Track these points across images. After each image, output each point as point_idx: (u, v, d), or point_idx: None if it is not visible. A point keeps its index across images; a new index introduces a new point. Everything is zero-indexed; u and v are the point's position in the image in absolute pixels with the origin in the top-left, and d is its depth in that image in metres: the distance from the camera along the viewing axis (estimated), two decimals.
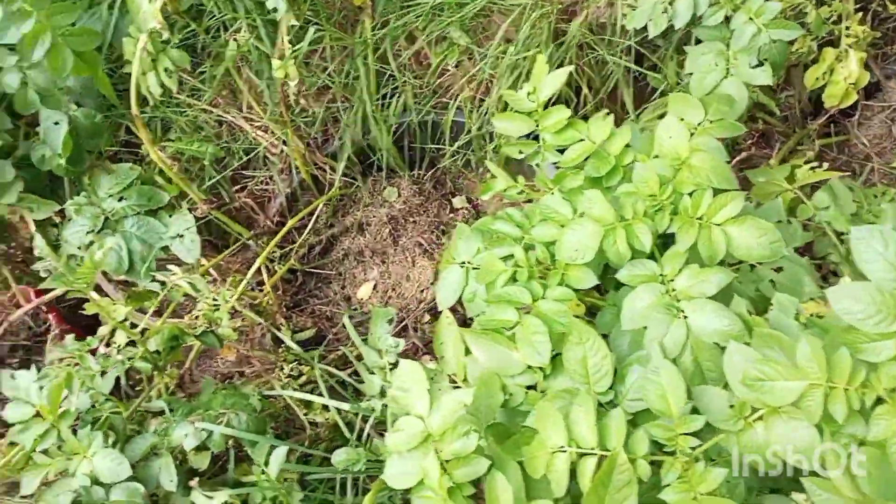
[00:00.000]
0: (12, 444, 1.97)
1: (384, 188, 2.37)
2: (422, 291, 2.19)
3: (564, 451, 1.22)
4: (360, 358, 2.04)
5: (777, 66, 1.86)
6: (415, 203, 2.34)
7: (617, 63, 2.08)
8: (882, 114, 2.26)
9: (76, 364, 1.53)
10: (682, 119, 1.54)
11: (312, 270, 2.32)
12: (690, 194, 1.40)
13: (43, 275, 1.81)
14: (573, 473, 1.22)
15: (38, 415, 1.67)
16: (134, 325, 1.86)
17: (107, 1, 2.11)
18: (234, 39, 2.05)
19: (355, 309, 2.23)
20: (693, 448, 1.19)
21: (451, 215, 2.38)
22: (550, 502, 1.18)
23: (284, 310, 2.18)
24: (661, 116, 2.17)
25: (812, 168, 1.69)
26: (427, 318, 2.18)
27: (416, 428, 1.32)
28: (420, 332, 2.15)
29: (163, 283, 1.72)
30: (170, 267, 1.74)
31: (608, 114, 1.57)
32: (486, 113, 2.18)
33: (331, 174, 2.31)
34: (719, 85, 1.86)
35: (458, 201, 2.41)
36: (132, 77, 1.79)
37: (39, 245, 1.67)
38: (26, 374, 1.70)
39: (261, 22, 2.01)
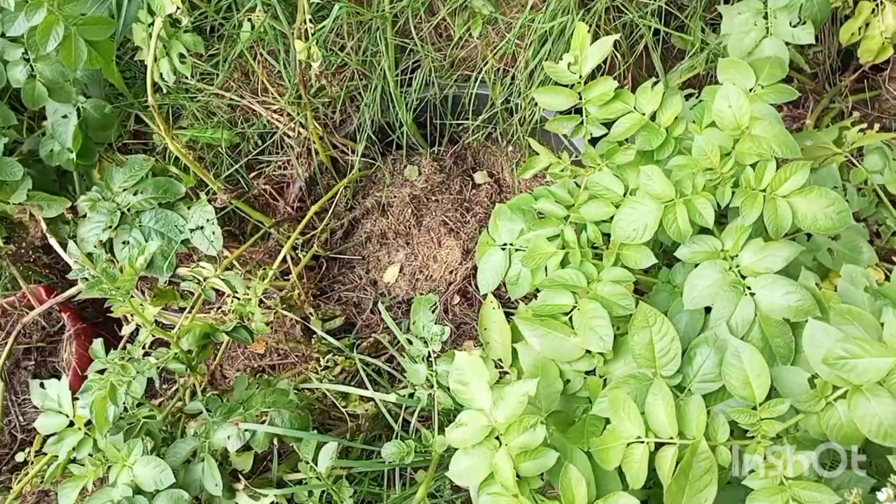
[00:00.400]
0: (39, 453, 1.92)
1: (404, 167, 2.30)
2: (451, 272, 2.13)
3: (642, 442, 1.17)
4: (395, 345, 1.98)
5: (818, 24, 1.79)
6: (436, 181, 2.26)
7: (647, 26, 2.00)
8: None
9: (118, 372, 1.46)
10: (733, 85, 1.47)
11: (336, 256, 2.25)
12: (753, 166, 1.34)
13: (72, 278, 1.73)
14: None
15: (71, 424, 1.62)
16: (158, 324, 1.79)
17: None
18: (249, 20, 1.95)
19: (382, 294, 2.17)
20: (778, 432, 1.14)
21: (474, 192, 2.31)
22: (629, 495, 1.13)
23: (311, 298, 2.11)
24: (693, 80, 2.11)
25: (862, 130, 1.63)
26: (457, 299, 2.13)
27: (479, 422, 1.27)
28: (451, 315, 2.09)
29: (197, 281, 1.65)
30: (202, 264, 1.66)
31: (656, 83, 1.49)
32: (512, 84, 2.09)
33: (350, 155, 2.23)
34: (759, 45, 1.79)
35: (479, 177, 2.34)
36: (148, 64, 1.69)
37: (73, 252, 1.58)
38: (56, 384, 1.64)
39: (276, 0, 1.91)
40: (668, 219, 1.34)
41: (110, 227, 1.98)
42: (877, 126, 1.67)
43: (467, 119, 2.26)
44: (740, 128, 1.36)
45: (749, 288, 1.29)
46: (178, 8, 1.65)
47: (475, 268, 2.15)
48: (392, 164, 2.31)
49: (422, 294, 2.12)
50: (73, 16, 1.73)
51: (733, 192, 1.34)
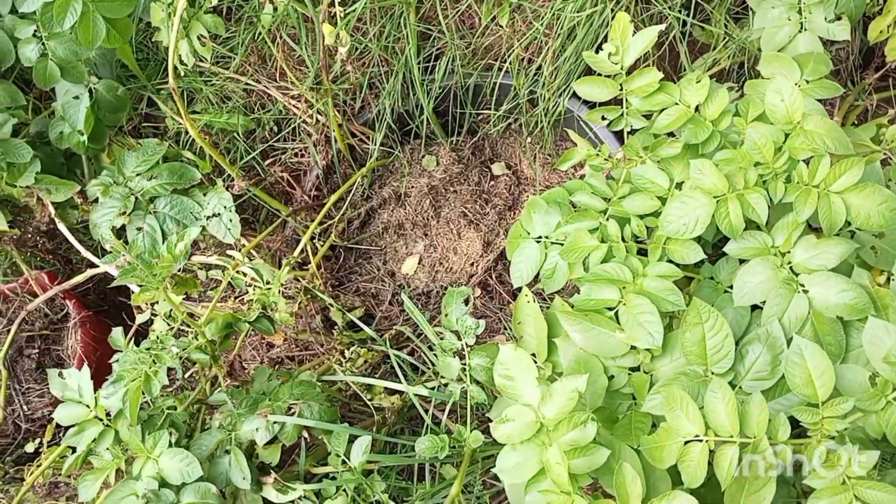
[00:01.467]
0: (51, 444, 1.86)
1: (423, 157, 2.26)
2: (471, 265, 2.10)
3: (700, 441, 1.15)
4: (418, 336, 1.95)
5: (853, 19, 1.78)
6: (454, 171, 2.22)
7: (676, 17, 1.98)
8: None
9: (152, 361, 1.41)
10: None
11: (353, 246, 2.21)
12: (805, 161, 1.32)
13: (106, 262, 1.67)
14: None
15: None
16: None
17: None
18: (271, 2, 1.90)
19: (401, 285, 2.13)
20: (839, 431, 1.13)
21: (492, 183, 2.27)
22: (688, 493, 1.11)
23: (330, 289, 2.07)
24: (718, 75, 2.10)
25: None
26: (478, 292, 2.09)
27: (527, 418, 1.25)
28: (472, 308, 2.06)
29: (222, 269, 1.60)
30: (230, 252, 1.61)
31: (705, 77, 1.47)
32: (537, 74, 2.06)
33: (368, 144, 2.18)
34: (793, 40, 1.77)
35: (497, 168, 2.30)
36: (170, 46, 1.63)
37: (107, 237, 1.52)
38: (76, 373, 1.58)
39: None
40: (721, 213, 1.32)
41: (124, 212, 1.92)
42: None
43: (488, 109, 2.22)
44: (792, 122, 1.35)
45: (802, 285, 1.28)
46: None
47: (496, 260, 2.12)
48: (410, 153, 2.27)
49: (443, 286, 2.08)
50: None
51: (786, 188, 1.32)
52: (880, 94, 2.12)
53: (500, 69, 2.11)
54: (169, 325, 1.72)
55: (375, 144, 2.16)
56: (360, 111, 2.19)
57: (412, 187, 2.20)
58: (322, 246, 2.03)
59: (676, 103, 1.50)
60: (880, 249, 1.43)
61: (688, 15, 2.03)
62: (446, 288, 2.06)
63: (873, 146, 1.59)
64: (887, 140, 1.58)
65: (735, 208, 1.31)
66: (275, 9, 1.94)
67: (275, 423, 1.53)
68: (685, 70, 2.10)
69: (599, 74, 1.63)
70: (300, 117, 2.10)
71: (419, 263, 2.14)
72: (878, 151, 1.57)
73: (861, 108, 2.08)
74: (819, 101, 1.53)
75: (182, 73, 2.01)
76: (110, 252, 1.41)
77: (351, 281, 2.16)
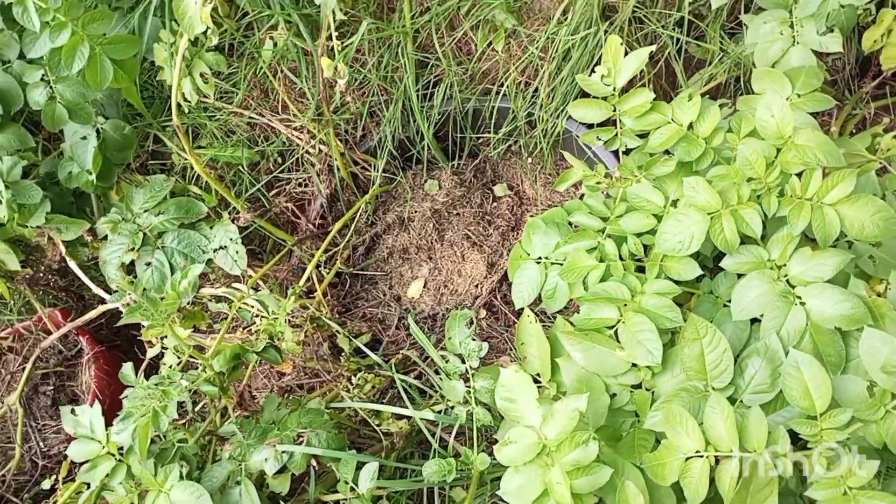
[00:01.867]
0: (67, 480, 1.88)
1: (425, 181, 2.28)
2: (476, 286, 2.11)
3: (701, 457, 1.15)
4: (425, 360, 1.96)
5: (845, 31, 1.80)
6: (457, 195, 2.25)
7: (670, 36, 2.00)
8: None
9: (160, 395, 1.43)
10: None
11: (358, 272, 2.23)
12: (798, 175, 1.33)
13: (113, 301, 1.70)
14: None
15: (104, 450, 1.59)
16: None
17: (127, 4, 1.99)
18: (271, 38, 1.94)
19: (407, 309, 2.15)
20: (839, 442, 1.13)
21: (495, 204, 2.30)
22: None
23: (336, 316, 2.09)
24: (714, 90, 2.11)
25: None
26: (484, 313, 2.11)
27: (529, 439, 1.26)
28: (478, 330, 2.07)
29: (229, 302, 1.63)
30: (236, 284, 1.64)
31: (700, 95, 1.49)
32: (534, 97, 2.09)
33: (370, 171, 2.21)
34: (786, 54, 1.79)
35: (499, 189, 2.33)
36: (173, 84, 1.68)
37: (113, 276, 1.56)
38: (88, 410, 1.61)
39: (298, 17, 1.90)
40: (715, 230, 1.34)
41: (132, 248, 1.96)
42: None
43: (487, 132, 2.25)
44: (783, 137, 1.36)
45: (799, 297, 1.28)
46: (207, 27, 1.63)
47: (500, 281, 2.13)
48: (412, 178, 2.30)
49: (448, 309, 2.10)
50: (97, 35, 1.71)
51: (779, 202, 1.33)
52: (878, 103, 2.13)
53: (497, 93, 2.14)
54: (178, 358, 1.75)
55: (378, 171, 2.19)
56: (362, 139, 2.22)
57: (415, 212, 2.23)
58: (328, 273, 2.06)
59: (669, 122, 1.52)
60: (878, 259, 1.43)
61: (682, 33, 2.05)
62: (452, 310, 2.08)
63: (869, 156, 1.60)
64: (882, 149, 1.59)
65: (729, 224, 1.33)
66: (275, 44, 1.99)
67: (283, 452, 1.55)
68: (682, 87, 2.12)
69: (594, 97, 1.65)
70: (303, 148, 2.14)
71: (424, 287, 2.16)
72: (873, 161, 1.58)
73: (859, 117, 2.09)
74: (814, 113, 1.54)
75: (186, 110, 2.05)
76: (117, 290, 1.44)
77: (357, 307, 2.18)
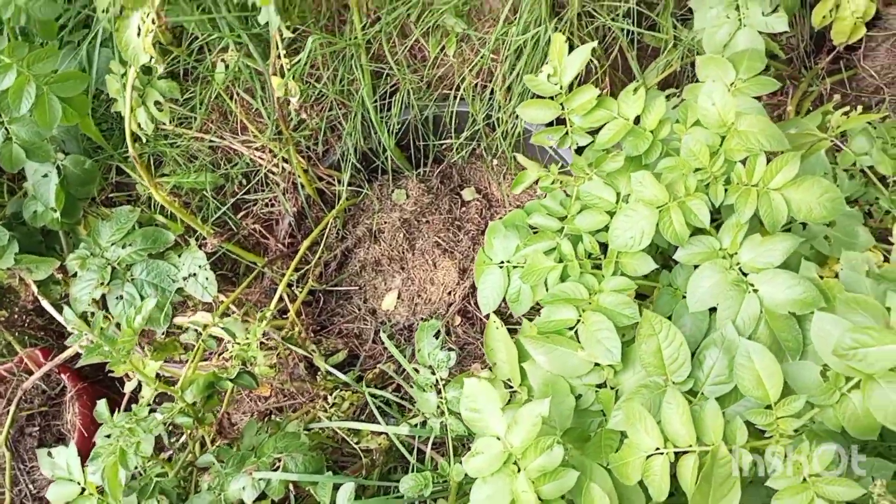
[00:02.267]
0: None
1: (392, 191, 2.28)
2: (449, 293, 2.11)
3: (662, 453, 1.15)
4: (401, 373, 1.96)
5: (790, 10, 1.80)
6: (425, 202, 2.25)
7: (620, 28, 2.00)
8: (886, 43, 2.19)
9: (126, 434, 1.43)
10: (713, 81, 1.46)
11: (332, 289, 2.23)
12: (742, 161, 1.33)
13: (70, 343, 1.70)
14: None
15: (83, 490, 1.59)
16: (160, 378, 1.77)
17: (77, 38, 1.99)
18: (222, 60, 1.94)
19: (382, 322, 2.15)
20: (796, 430, 1.13)
21: (464, 209, 2.29)
22: None
23: (312, 334, 2.09)
24: (671, 78, 2.11)
25: (845, 113, 1.63)
26: (459, 320, 2.11)
27: (495, 449, 1.26)
28: (455, 337, 2.07)
29: (197, 332, 1.63)
30: (200, 313, 1.64)
31: (657, 84, 1.49)
32: (492, 99, 2.09)
33: (336, 185, 2.21)
34: (733, 37, 1.79)
35: (467, 193, 2.33)
36: (125, 116, 1.68)
37: (69, 318, 1.56)
38: (64, 450, 1.61)
39: (247, 38, 1.89)
40: (664, 223, 1.33)
41: (102, 283, 1.96)
42: (859, 107, 1.66)
43: (450, 138, 2.25)
44: (726, 125, 1.36)
45: (752, 285, 1.28)
46: (151, 57, 1.63)
47: (474, 286, 2.13)
48: (379, 189, 2.30)
49: (423, 319, 2.10)
50: (43, 74, 1.71)
51: (726, 190, 1.33)
52: (833, 78, 2.13)
53: (455, 97, 2.14)
54: (157, 390, 1.75)
55: (343, 185, 2.19)
56: (325, 154, 2.22)
57: (385, 223, 2.23)
58: (300, 292, 2.06)
59: (616, 117, 1.51)
60: (833, 238, 1.43)
61: (632, 23, 2.05)
62: (427, 320, 2.08)
63: (820, 134, 1.59)
64: (833, 127, 1.59)
65: (678, 216, 1.32)
66: (227, 66, 1.98)
67: (260, 479, 1.55)
68: (637, 78, 2.12)
69: (542, 97, 1.65)
70: (266, 168, 2.13)
71: (398, 298, 2.16)
72: (824, 139, 1.57)
73: (815, 94, 2.08)
74: (771, 94, 1.54)
75: (144, 140, 2.05)
76: (73, 333, 1.44)
77: (333, 323, 2.18)
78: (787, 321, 1.26)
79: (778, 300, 1.25)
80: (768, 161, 1.31)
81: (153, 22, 1.63)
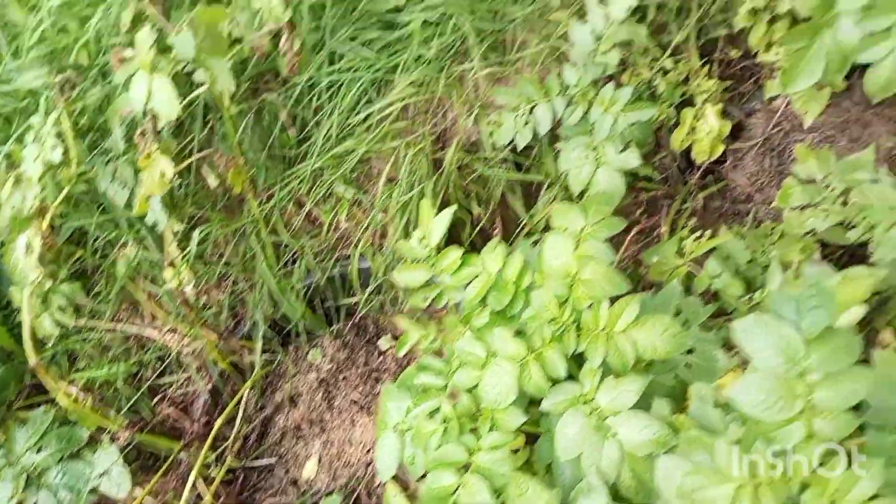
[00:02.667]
0: None
1: (307, 352, 2.32)
2: (367, 452, 2.12)
3: None
4: None
5: (642, 144, 1.93)
6: (341, 358, 2.29)
7: (498, 176, 2.12)
8: (751, 151, 2.33)
9: None
10: (565, 229, 1.54)
11: (252, 464, 2.22)
12: (590, 307, 1.39)
13: None
14: None
15: None
16: None
17: None
18: (124, 255, 2.02)
19: (304, 492, 2.13)
20: None
21: (381, 359, 2.33)
22: None
23: None
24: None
25: (696, 239, 1.72)
26: (378, 480, 2.10)
27: None
28: (374, 499, 2.06)
29: None
30: None
31: (501, 244, 1.57)
32: (389, 254, 2.17)
33: (250, 355, 2.25)
34: (594, 175, 1.90)
35: (383, 342, 2.37)
36: (24, 326, 1.73)
37: None
38: None
39: (146, 231, 1.98)
40: (525, 377, 1.38)
41: (16, 493, 1.94)
42: (708, 231, 1.76)
43: (358, 293, 2.31)
44: (570, 275, 1.43)
45: (611, 428, 1.31)
46: (39, 274, 1.70)
47: None
48: (294, 352, 2.34)
49: (344, 483, 2.09)
50: None
51: (578, 337, 1.39)
52: (706, 192, 2.25)
53: (356, 256, 2.22)
54: None
55: (257, 355, 2.23)
56: (237, 326, 2.27)
57: (302, 385, 2.25)
58: (218, 473, 2.05)
59: (480, 272, 1.58)
60: (694, 364, 1.48)
61: (512, 167, 2.18)
62: (347, 484, 2.07)
63: (676, 261, 1.67)
64: (687, 252, 1.67)
65: (536, 370, 1.37)
66: (128, 261, 2.06)
67: None
68: (526, 218, 2.23)
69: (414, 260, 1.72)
70: (176, 349, 2.17)
71: (319, 463, 2.15)
72: (681, 265, 1.65)
73: (689, 210, 2.19)
74: (651, 203, 1.60)
75: (52, 343, 2.09)
76: None
77: (255, 500, 2.16)
78: (648, 463, 1.28)
79: (635, 442, 1.28)
80: (613, 304, 1.37)
81: (41, 241, 1.72)
